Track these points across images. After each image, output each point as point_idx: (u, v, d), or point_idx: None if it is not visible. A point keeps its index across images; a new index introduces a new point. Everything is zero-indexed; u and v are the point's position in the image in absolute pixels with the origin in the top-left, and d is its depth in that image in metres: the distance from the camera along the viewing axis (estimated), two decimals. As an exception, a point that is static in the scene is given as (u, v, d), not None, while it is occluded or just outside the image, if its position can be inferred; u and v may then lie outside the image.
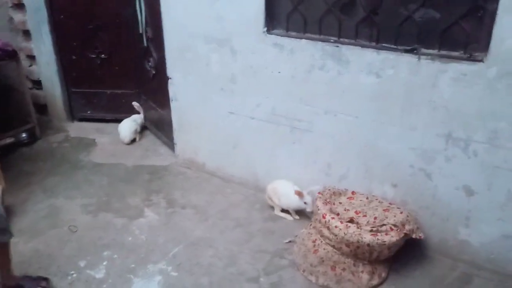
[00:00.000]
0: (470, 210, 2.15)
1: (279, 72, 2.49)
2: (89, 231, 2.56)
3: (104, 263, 2.32)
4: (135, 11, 3.22)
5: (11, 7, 3.60)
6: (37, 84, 3.81)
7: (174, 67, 2.91)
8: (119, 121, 3.62)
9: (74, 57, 3.63)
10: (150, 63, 3.29)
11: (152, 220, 2.65)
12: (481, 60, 1.91)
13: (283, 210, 2.65)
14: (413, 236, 2.10)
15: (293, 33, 2.41)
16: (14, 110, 3.63)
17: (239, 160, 2.89)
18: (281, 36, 2.41)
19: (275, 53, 2.45)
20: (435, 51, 2.02)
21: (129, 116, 3.58)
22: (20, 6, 3.55)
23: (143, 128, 3.65)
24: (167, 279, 2.22)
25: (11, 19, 3.65)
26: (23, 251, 2.40)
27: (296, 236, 2.44)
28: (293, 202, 2.53)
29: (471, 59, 1.93)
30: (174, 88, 2.99)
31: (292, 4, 2.36)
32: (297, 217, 2.62)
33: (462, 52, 1.98)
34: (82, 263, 2.31)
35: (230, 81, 2.69)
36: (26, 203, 2.79)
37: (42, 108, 3.84)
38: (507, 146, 1.96)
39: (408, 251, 2.24)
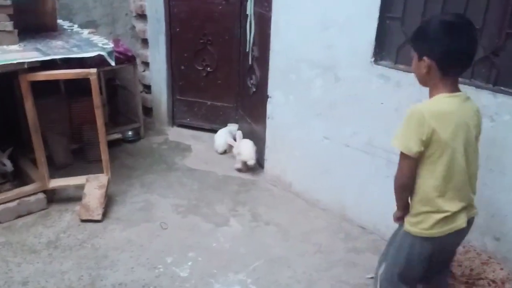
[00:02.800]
0: None
1: (382, 103, 2.47)
2: (178, 230, 2.71)
3: (189, 263, 2.43)
4: (245, 30, 3.40)
5: (134, 16, 3.98)
6: (147, 88, 4.14)
7: (276, 87, 3.01)
8: (215, 131, 3.81)
9: (183, 67, 3.90)
10: (252, 81, 3.43)
11: (236, 231, 2.74)
12: None
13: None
14: (512, 296, 1.94)
15: (402, 66, 2.39)
16: (124, 109, 3.99)
17: (327, 186, 2.89)
18: (389, 67, 2.41)
19: (380, 84, 2.45)
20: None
21: (225, 127, 3.75)
22: (142, 17, 3.92)
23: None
24: (246, 290, 2.27)
25: (133, 27, 4.03)
26: (118, 238, 2.60)
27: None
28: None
29: None
30: (272, 107, 3.09)
31: (405, 36, 2.35)
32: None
33: None
34: (169, 259, 2.45)
35: (329, 106, 2.72)
36: (125, 194, 3.02)
37: (147, 110, 4.15)
38: None
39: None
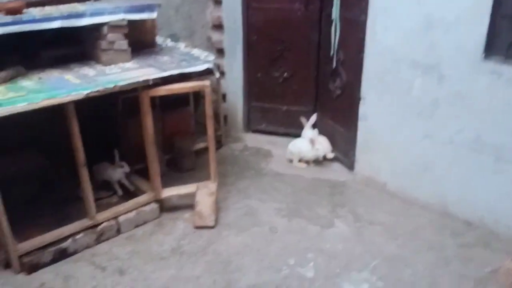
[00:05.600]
0: None
1: (491, 100, 2.52)
2: (288, 233, 2.80)
3: (311, 264, 2.52)
4: (325, 35, 3.48)
5: (211, 27, 4.11)
6: (222, 97, 4.25)
7: (369, 88, 3.08)
8: (290, 135, 3.89)
9: (259, 75, 4.00)
10: (336, 84, 3.50)
11: (344, 232, 2.81)
12: None
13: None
14: None
15: (514, 61, 2.43)
16: (202, 118, 4.09)
17: (427, 184, 2.94)
18: (501, 63, 2.45)
19: (489, 81, 2.49)
20: None
21: (299, 131, 3.79)
22: (219, 27, 4.03)
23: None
24: (374, 288, 2.34)
25: (209, 38, 4.15)
26: (235, 243, 2.71)
27: (500, 267, 2.41)
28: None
29: None
30: (365, 108, 3.15)
31: (515, 33, 2.39)
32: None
33: None
34: (291, 261, 2.54)
35: (431, 105, 2.77)
36: (226, 201, 3.13)
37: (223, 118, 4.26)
38: None
39: None
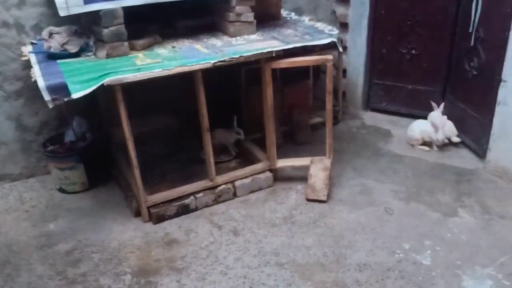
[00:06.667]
0: None
1: None
2: (405, 217, 2.66)
3: (428, 252, 2.37)
4: (464, 9, 3.15)
5: (336, 1, 3.99)
6: (343, 72, 4.14)
7: (514, 69, 2.74)
8: (413, 116, 3.67)
9: (384, 51, 3.80)
10: (472, 63, 3.18)
11: (469, 222, 2.58)
12: None
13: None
14: None
15: None
16: (321, 93, 4.04)
17: None
18: None
19: None
20: None
21: (424, 113, 3.53)
22: (345, 1, 3.90)
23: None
24: (499, 286, 2.13)
25: (333, 12, 4.05)
26: (348, 219, 2.66)
27: None
28: None
29: None
30: (505, 92, 2.82)
31: None
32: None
33: None
34: (406, 246, 2.42)
35: None
36: (340, 178, 3.08)
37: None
38: None
39: None
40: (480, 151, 3.15)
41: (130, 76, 2.31)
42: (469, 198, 2.79)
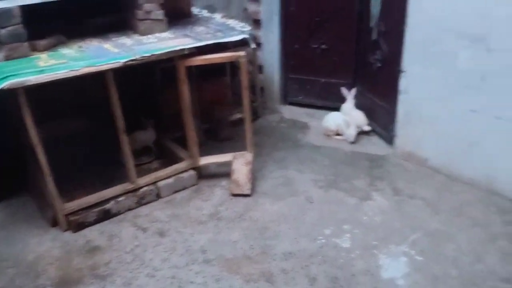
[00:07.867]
0: None
1: (546, 73, 2.39)
2: (324, 204, 2.79)
3: (347, 235, 2.51)
4: (365, 6, 3.37)
5: (248, -1, 4.06)
6: (259, 68, 4.22)
7: (412, 61, 2.97)
8: (328, 108, 3.85)
9: (296, 46, 3.94)
10: (376, 56, 3.41)
11: (382, 205, 2.77)
12: None
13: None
14: None
15: None
16: (239, 89, 4.09)
17: (473, 160, 2.84)
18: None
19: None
20: None
21: (338, 104, 3.72)
22: (256, -2, 3.98)
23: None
24: (413, 262, 2.31)
25: (245, 9, 4.11)
26: (271, 211, 2.73)
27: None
28: None
29: None
30: (406, 81, 3.06)
31: None
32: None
33: None
34: (327, 231, 2.54)
35: (480, 79, 2.66)
36: (262, 170, 3.14)
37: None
38: None
39: None
40: (389, 138, 3.40)
41: (32, 79, 2.16)
42: (381, 182, 3.00)
